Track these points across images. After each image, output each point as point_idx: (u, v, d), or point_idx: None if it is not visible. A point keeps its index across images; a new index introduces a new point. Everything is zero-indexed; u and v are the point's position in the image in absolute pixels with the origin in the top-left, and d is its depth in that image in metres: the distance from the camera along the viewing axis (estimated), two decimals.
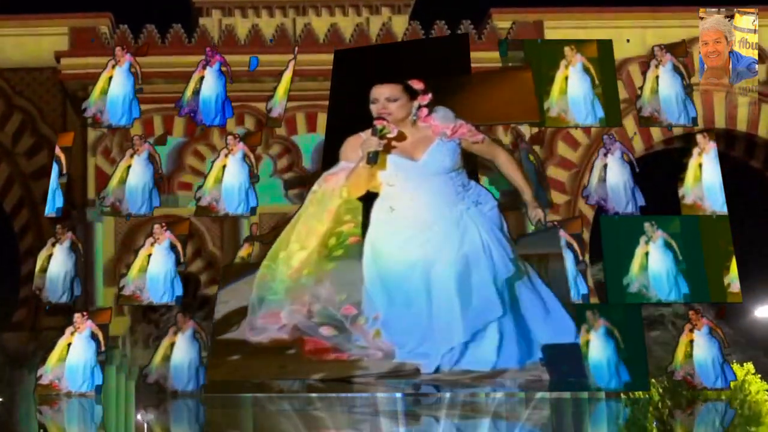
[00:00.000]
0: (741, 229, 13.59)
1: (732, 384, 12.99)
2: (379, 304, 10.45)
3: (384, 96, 10.75)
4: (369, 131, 10.76)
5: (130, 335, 19.20)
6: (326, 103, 12.92)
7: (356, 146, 10.86)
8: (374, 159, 10.57)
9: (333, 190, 10.79)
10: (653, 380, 14.32)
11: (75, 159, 19.78)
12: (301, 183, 18.67)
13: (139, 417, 17.68)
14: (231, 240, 18.78)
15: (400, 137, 10.67)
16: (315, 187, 10.95)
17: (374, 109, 10.82)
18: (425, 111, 10.72)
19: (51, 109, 20.83)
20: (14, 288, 20.44)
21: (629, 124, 18.39)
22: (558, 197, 18.56)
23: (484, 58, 14.32)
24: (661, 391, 15.68)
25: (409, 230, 10.59)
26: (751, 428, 20.29)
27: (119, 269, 18.56)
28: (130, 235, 19.14)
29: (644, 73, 13.32)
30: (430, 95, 10.76)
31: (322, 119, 19.39)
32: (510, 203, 11.15)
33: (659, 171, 14.15)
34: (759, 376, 19.85)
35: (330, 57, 12.42)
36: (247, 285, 10.91)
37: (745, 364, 20.21)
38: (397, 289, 10.45)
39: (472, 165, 11.02)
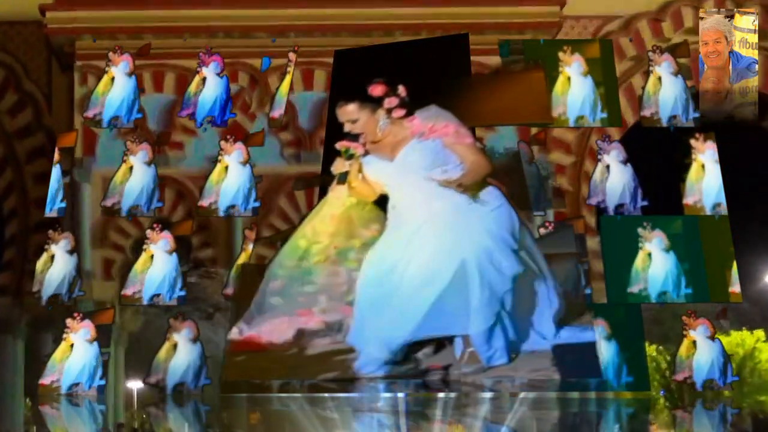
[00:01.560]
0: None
1: (741, 352, 12.97)
2: (360, 307, 10.40)
3: (344, 119, 10.49)
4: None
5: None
6: (324, 60, 12.92)
7: None
8: (342, 180, 10.53)
9: (338, 198, 10.74)
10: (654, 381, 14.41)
11: (61, 117, 19.99)
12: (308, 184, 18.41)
13: None
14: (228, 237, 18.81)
15: (372, 149, 10.49)
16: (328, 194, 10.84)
17: (346, 129, 10.55)
18: (401, 112, 10.48)
19: (35, 64, 20.50)
20: None
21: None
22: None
23: None
24: (668, 404, 15.73)
25: (394, 231, 10.55)
26: (760, 397, 20.33)
27: (107, 233, 18.89)
28: None
29: (646, 74, 13.32)
30: (395, 99, 10.38)
31: (319, 77, 19.33)
32: (515, 204, 11.07)
33: (660, 171, 14.13)
34: None
35: (328, 12, 12.17)
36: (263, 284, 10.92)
37: (755, 331, 20.20)
38: (375, 290, 10.37)
39: None
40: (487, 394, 10.64)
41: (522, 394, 10.64)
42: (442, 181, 10.30)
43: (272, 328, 10.61)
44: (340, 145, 10.49)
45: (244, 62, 18.97)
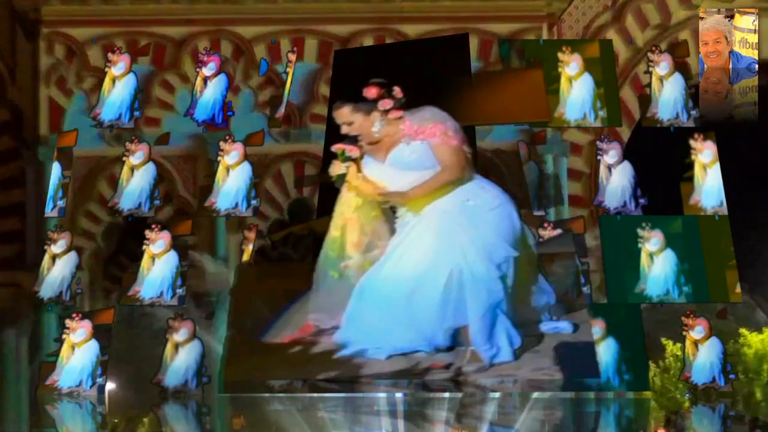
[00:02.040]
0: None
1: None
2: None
3: (339, 121, 10.50)
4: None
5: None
6: (315, 27, 12.48)
7: None
8: (340, 182, 10.53)
9: (344, 202, 10.74)
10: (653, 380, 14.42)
11: (26, 89, 18.75)
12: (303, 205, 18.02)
13: None
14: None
15: (360, 155, 10.49)
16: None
17: (344, 131, 10.56)
18: (397, 113, 10.43)
19: None
20: None
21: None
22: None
23: None
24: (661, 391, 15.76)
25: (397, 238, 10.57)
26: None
27: (75, 217, 17.90)
28: (89, 179, 18.34)
29: (646, 73, 13.33)
30: (390, 101, 10.35)
31: (310, 45, 18.47)
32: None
33: (660, 171, 14.12)
34: None
35: None
36: (265, 284, 10.91)
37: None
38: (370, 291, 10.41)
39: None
40: (489, 395, 10.66)
41: (524, 394, 10.66)
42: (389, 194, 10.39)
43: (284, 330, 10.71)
44: (335, 148, 10.50)
45: (227, 30, 18.14)
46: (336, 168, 10.54)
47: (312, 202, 16.63)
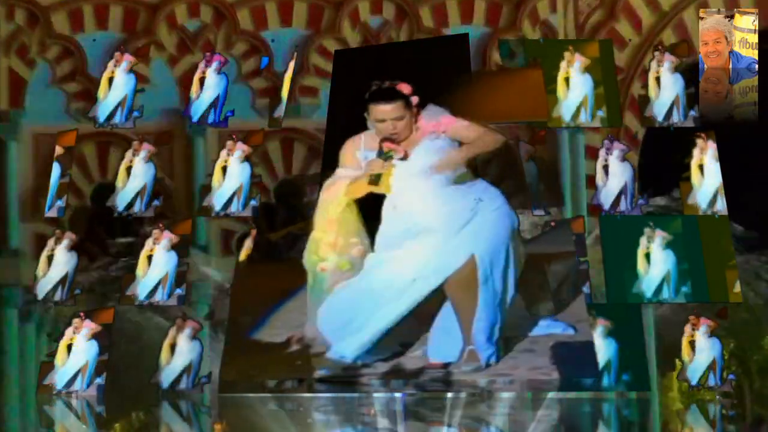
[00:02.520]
0: None
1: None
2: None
3: (391, 117, 10.50)
4: (366, 133, 10.72)
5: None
6: None
7: (354, 150, 10.77)
8: (376, 181, 10.47)
9: (333, 199, 10.75)
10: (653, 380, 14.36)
11: None
12: (291, 186, 17.36)
13: None
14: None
15: (406, 156, 10.50)
16: (321, 195, 10.86)
17: (381, 128, 10.55)
18: (418, 112, 10.59)
19: None
20: None
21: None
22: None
23: None
24: (661, 391, 15.69)
25: (401, 235, 10.56)
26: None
27: (40, 202, 14.88)
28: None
29: (645, 73, 13.32)
30: (416, 97, 10.56)
31: (300, 8, 16.70)
32: (515, 203, 11.11)
33: (660, 171, 14.12)
34: None
35: None
36: (261, 283, 10.93)
37: None
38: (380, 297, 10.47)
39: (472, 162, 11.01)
40: (484, 395, 10.66)
41: (520, 394, 10.67)
42: (437, 168, 10.35)
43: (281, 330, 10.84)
44: (386, 146, 10.43)
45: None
46: (376, 166, 10.51)
47: (302, 183, 16.11)
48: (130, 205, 12.96)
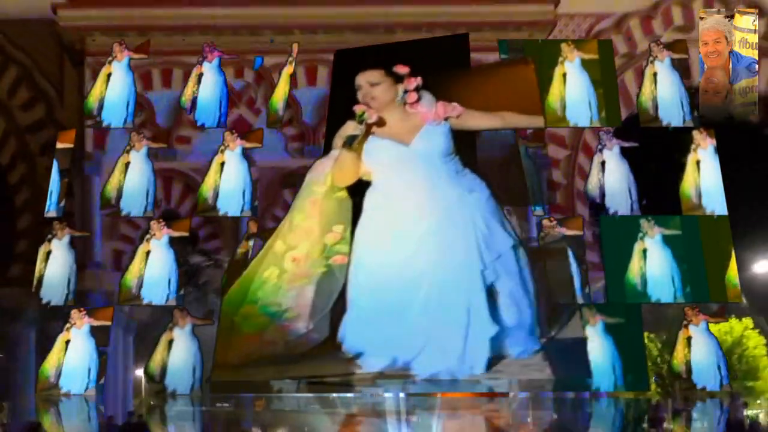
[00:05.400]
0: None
1: (730, 339, 12.78)
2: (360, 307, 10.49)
3: (366, 80, 10.89)
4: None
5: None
6: (327, 56, 12.94)
7: (340, 134, 10.98)
8: (350, 143, 10.66)
9: (318, 176, 10.83)
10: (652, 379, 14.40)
11: (72, 112, 20.03)
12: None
13: None
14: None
15: (381, 122, 10.72)
16: (306, 177, 10.96)
17: (359, 96, 10.97)
18: (414, 96, 10.75)
19: (48, 61, 20.84)
20: (9, 243, 20.33)
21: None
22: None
23: None
24: (660, 390, 15.72)
25: (401, 223, 10.59)
26: (748, 383, 20.34)
27: (116, 224, 18.78)
28: None
29: (643, 71, 13.29)
30: (419, 78, 10.88)
31: (322, 72, 19.63)
32: (513, 199, 11.10)
33: (659, 170, 14.10)
34: (758, 330, 19.73)
35: (331, 11, 12.03)
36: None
37: (743, 318, 20.19)
38: (384, 289, 10.45)
39: (467, 154, 11.04)
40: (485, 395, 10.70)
41: (517, 394, 10.69)
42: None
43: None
44: (357, 108, 10.69)
45: (249, 59, 18.77)
46: (350, 128, 10.70)
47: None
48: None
